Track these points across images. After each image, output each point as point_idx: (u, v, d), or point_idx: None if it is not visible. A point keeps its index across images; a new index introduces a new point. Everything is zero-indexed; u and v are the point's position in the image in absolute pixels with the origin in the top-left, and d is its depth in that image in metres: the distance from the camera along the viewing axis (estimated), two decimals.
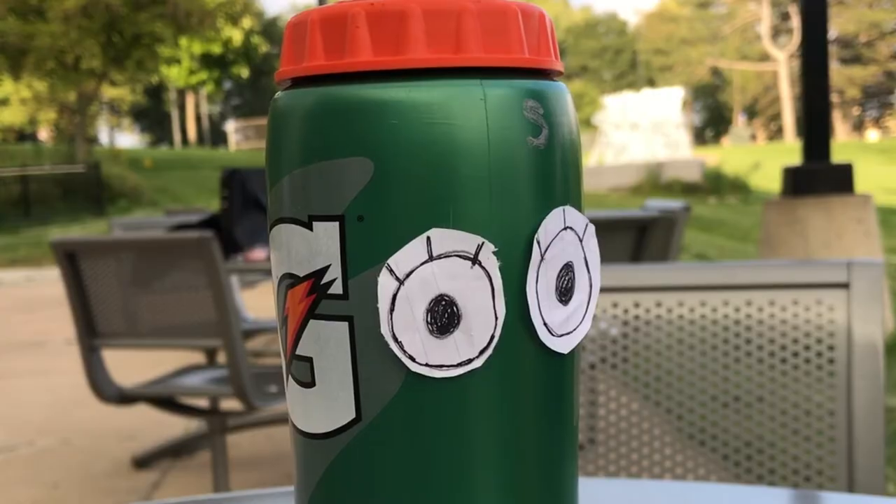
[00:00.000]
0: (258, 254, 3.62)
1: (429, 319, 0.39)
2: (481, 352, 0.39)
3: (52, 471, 3.92)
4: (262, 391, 2.96)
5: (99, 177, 20.77)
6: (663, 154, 22.80)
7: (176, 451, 4.02)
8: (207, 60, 37.22)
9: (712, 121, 66.55)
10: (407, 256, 0.38)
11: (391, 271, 0.38)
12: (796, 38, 40.14)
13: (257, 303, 5.55)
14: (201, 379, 3.28)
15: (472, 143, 0.39)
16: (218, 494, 0.72)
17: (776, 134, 57.95)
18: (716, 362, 1.16)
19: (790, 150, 27.52)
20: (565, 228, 0.41)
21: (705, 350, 1.17)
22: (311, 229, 0.40)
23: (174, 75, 36.59)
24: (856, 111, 60.85)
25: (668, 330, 1.18)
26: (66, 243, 2.96)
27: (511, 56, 0.40)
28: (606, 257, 0.69)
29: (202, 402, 3.58)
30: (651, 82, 58.32)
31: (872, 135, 56.05)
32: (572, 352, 0.42)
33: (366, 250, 0.39)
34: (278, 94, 0.43)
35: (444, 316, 0.39)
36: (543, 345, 0.41)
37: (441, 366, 0.39)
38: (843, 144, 37.11)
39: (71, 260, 2.94)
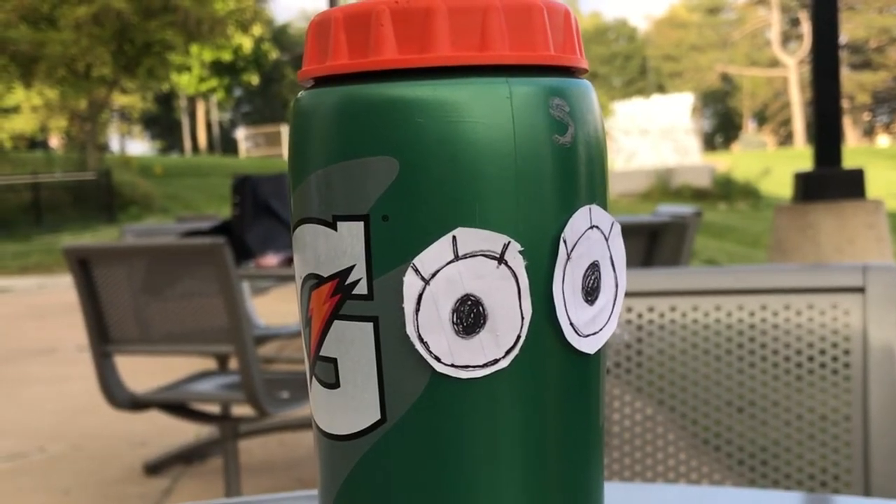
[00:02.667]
0: (270, 260, 3.63)
1: (455, 319, 0.38)
2: (507, 352, 0.39)
3: (63, 477, 3.93)
4: (274, 397, 2.96)
5: (110, 184, 20.83)
6: (673, 160, 22.76)
7: (187, 457, 4.02)
8: (218, 68, 37.31)
9: (722, 127, 66.41)
10: (432, 256, 0.38)
11: (416, 271, 0.38)
12: (806, 43, 40.07)
13: (269, 309, 5.56)
14: (213, 385, 3.29)
15: (497, 141, 0.38)
16: (230, 500, 0.72)
17: (786, 139, 57.80)
18: (730, 367, 1.16)
19: (800, 156, 27.46)
20: (591, 227, 0.41)
21: (720, 355, 1.16)
22: (335, 229, 0.40)
23: (185, 83, 36.67)
24: (866, 117, 60.65)
25: (682, 335, 1.18)
26: (78, 250, 2.97)
27: (537, 53, 0.40)
28: None
29: (214, 408, 3.58)
30: (661, 88, 58.22)
31: (883, 140, 55.86)
32: (598, 352, 0.42)
33: (391, 250, 0.38)
34: (301, 93, 0.42)
35: (469, 316, 0.38)
36: (570, 345, 0.40)
37: (466, 366, 0.39)
38: (853, 150, 37.02)
39: (83, 266, 2.95)
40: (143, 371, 4.35)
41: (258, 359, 2.95)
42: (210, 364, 4.60)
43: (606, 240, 0.42)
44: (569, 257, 0.40)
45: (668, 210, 4.25)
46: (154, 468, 3.90)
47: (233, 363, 3.84)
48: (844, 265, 1.14)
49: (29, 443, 4.49)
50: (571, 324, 0.40)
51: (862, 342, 1.11)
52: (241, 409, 3.36)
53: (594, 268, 0.41)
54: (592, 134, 0.41)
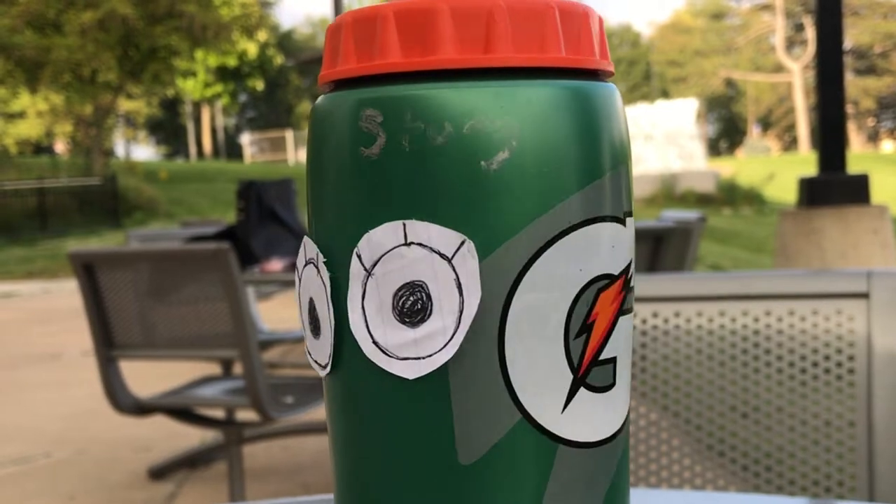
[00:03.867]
0: (274, 265, 3.63)
1: (308, 319, 0.42)
2: (329, 358, 0.41)
3: (68, 482, 3.93)
4: (278, 402, 2.97)
5: (115, 189, 20.86)
6: (677, 165, 22.74)
7: (192, 461, 4.03)
8: (223, 73, 37.36)
9: (726, 132, 66.37)
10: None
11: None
12: (811, 49, 40.02)
13: (273, 314, 5.56)
14: (217, 390, 3.29)
15: (322, 152, 0.41)
16: None
17: (791, 145, 57.75)
18: (735, 372, 1.16)
19: (805, 161, 27.44)
20: (406, 244, 0.38)
21: (724, 360, 1.16)
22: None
23: (190, 88, 36.74)
24: (871, 122, 60.60)
25: (686, 340, 1.18)
26: (83, 255, 2.97)
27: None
28: None
29: (218, 413, 3.59)
30: (665, 94, 58.23)
31: (887, 146, 55.77)
32: (437, 381, 0.38)
33: None
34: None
35: (311, 317, 0.42)
36: (375, 364, 0.39)
37: (318, 364, 0.42)
38: (858, 155, 36.97)
39: (88, 271, 2.96)
40: (147, 376, 4.36)
41: (262, 364, 2.96)
42: (214, 369, 4.60)
43: (448, 260, 0.38)
44: (369, 274, 0.38)
45: (673, 215, 4.25)
46: (159, 473, 3.90)
47: (237, 368, 3.85)
48: (849, 271, 1.14)
49: (34, 447, 4.50)
50: (375, 342, 0.39)
51: (866, 348, 1.11)
52: (246, 414, 3.36)
53: (414, 288, 0.38)
54: (431, 146, 0.38)
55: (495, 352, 0.38)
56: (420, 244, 0.38)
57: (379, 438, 0.40)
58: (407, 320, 0.38)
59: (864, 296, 1.11)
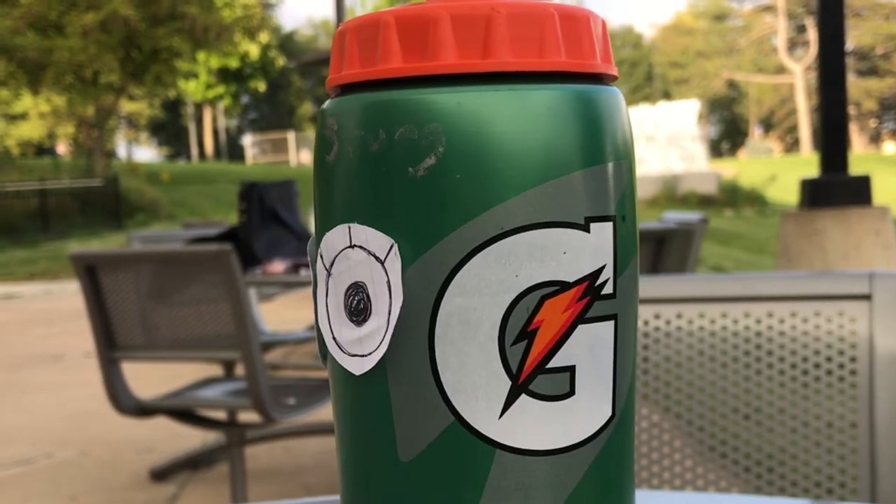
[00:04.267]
0: (276, 266, 3.63)
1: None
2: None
3: (70, 483, 3.94)
4: (280, 403, 2.97)
5: (117, 191, 20.88)
6: (679, 166, 22.74)
7: (194, 463, 4.03)
8: (225, 75, 37.37)
9: (728, 133, 66.34)
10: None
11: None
12: (812, 50, 40.02)
13: (275, 315, 5.56)
14: (219, 391, 3.29)
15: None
16: None
17: (792, 146, 57.72)
18: (737, 374, 1.16)
19: (807, 163, 27.42)
20: (351, 247, 0.40)
21: (726, 362, 1.16)
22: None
23: (192, 89, 36.75)
24: (873, 123, 60.56)
25: (688, 342, 1.18)
26: (85, 256, 2.97)
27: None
28: None
29: (220, 415, 3.59)
30: (667, 95, 58.21)
31: (889, 147, 55.74)
32: (377, 378, 0.40)
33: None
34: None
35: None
36: (335, 358, 0.41)
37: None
38: (859, 156, 36.95)
39: (90, 273, 2.96)
40: (149, 377, 4.36)
41: (264, 365, 2.96)
42: (216, 370, 4.60)
43: (381, 262, 0.39)
44: (329, 273, 0.41)
45: (675, 217, 4.25)
46: (160, 474, 3.90)
47: (239, 369, 3.85)
48: (851, 272, 1.14)
49: (36, 449, 4.50)
50: (334, 338, 0.41)
51: (868, 349, 1.11)
52: (248, 416, 3.36)
53: (358, 289, 0.40)
54: (374, 150, 0.39)
55: (426, 353, 0.39)
56: (363, 248, 0.39)
57: (341, 432, 0.42)
58: (354, 319, 0.40)
59: (867, 297, 1.11)
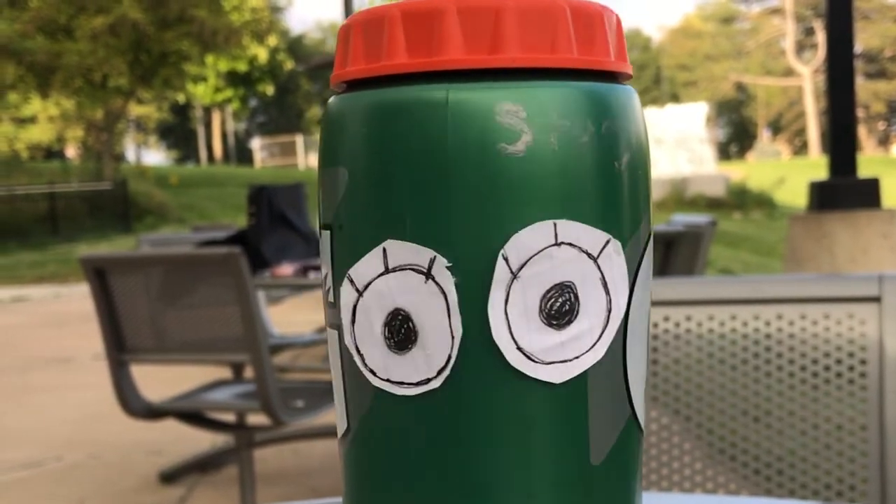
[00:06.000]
0: (285, 269, 3.64)
1: (387, 334, 0.37)
2: (439, 371, 0.37)
3: (79, 486, 3.95)
4: (289, 406, 2.97)
5: (126, 194, 20.94)
6: (688, 169, 22.72)
7: (203, 465, 4.04)
8: (233, 78, 37.46)
9: (737, 136, 66.24)
10: (365, 267, 0.38)
11: (352, 282, 0.38)
12: (821, 52, 39.95)
13: (284, 318, 5.57)
14: (228, 394, 3.30)
15: (430, 151, 0.36)
16: None
17: (801, 149, 57.61)
18: (746, 376, 1.16)
19: (815, 165, 27.36)
20: (557, 244, 0.37)
21: (735, 364, 1.16)
22: (321, 236, 0.41)
23: (200, 93, 36.83)
24: (881, 126, 60.41)
25: (697, 344, 1.18)
26: (95, 259, 2.98)
27: (492, 56, 0.37)
28: None
29: (229, 417, 3.59)
30: (675, 98, 58.13)
31: None
32: (578, 383, 0.38)
33: (342, 259, 0.39)
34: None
35: (401, 331, 0.37)
36: (519, 371, 0.37)
37: (402, 382, 0.37)
38: (868, 159, 36.84)
39: (100, 276, 2.97)
40: (158, 380, 4.37)
41: (273, 368, 2.96)
42: (225, 373, 4.61)
43: (595, 259, 0.37)
44: (515, 276, 0.37)
45: (683, 219, 4.25)
46: (169, 477, 3.91)
47: (248, 372, 3.86)
48: (860, 275, 1.14)
49: (45, 451, 4.51)
50: (520, 348, 0.37)
51: (878, 352, 1.10)
52: (257, 418, 3.37)
53: (563, 289, 0.37)
54: (576, 142, 0.37)
55: (621, 350, 0.39)
56: (573, 245, 0.37)
57: (507, 447, 0.38)
58: (554, 322, 0.37)
59: (876, 299, 1.11)
